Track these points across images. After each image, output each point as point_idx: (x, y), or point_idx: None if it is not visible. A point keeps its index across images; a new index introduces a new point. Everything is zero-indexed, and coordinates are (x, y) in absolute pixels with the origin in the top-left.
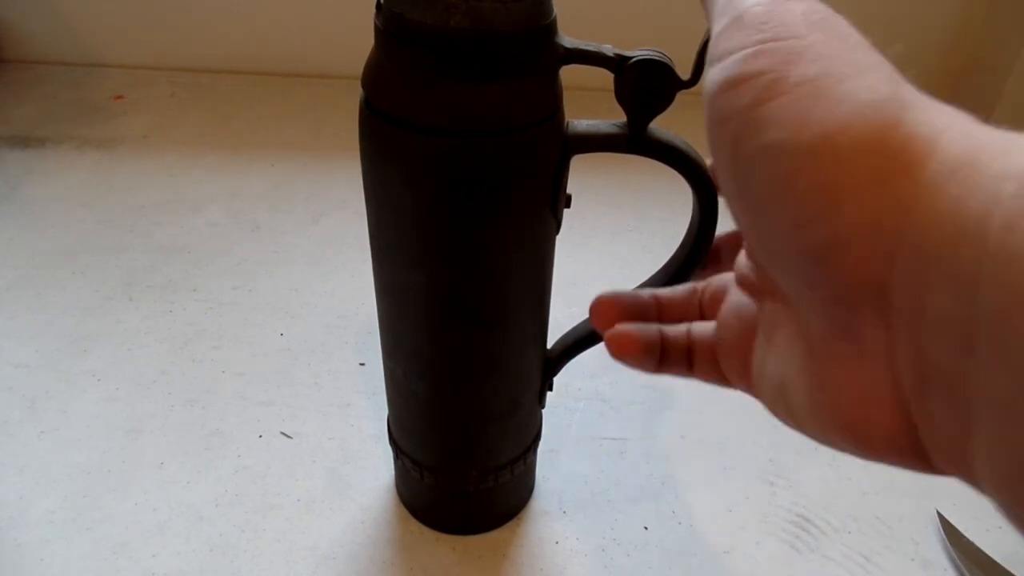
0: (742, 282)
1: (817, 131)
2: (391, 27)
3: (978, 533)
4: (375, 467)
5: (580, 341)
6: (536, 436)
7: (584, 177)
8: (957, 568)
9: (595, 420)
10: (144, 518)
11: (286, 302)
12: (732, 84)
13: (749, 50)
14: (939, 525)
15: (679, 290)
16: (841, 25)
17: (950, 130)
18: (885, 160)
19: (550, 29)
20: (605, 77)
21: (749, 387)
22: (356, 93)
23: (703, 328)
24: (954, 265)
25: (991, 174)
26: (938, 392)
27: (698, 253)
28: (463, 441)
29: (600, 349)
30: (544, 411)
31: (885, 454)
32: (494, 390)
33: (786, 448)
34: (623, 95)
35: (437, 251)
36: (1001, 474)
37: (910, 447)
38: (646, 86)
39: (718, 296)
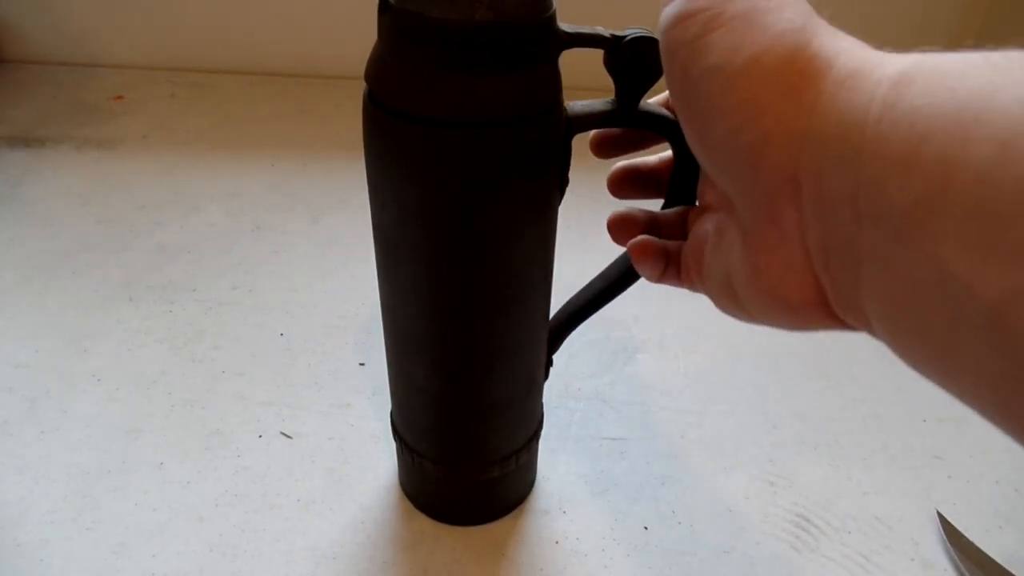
0: (702, 210)
1: (746, 55)
2: (405, 24)
3: (978, 533)
4: (375, 467)
5: (577, 313)
6: (541, 416)
7: (584, 176)
8: (957, 568)
9: (595, 420)
10: (144, 518)
11: (286, 302)
12: (680, 19)
13: None
14: (939, 525)
15: (672, 212)
16: None
17: (845, 51)
18: (796, 76)
19: (554, 17)
20: (597, 77)
21: (703, 286)
22: (356, 93)
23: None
24: (842, 151)
25: (871, 80)
26: (836, 257)
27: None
28: (482, 431)
29: (601, 350)
30: (544, 411)
31: (807, 316)
32: (514, 374)
33: (786, 448)
34: (619, 71)
35: (459, 246)
36: (880, 314)
37: (823, 307)
38: (641, 61)
39: (695, 219)
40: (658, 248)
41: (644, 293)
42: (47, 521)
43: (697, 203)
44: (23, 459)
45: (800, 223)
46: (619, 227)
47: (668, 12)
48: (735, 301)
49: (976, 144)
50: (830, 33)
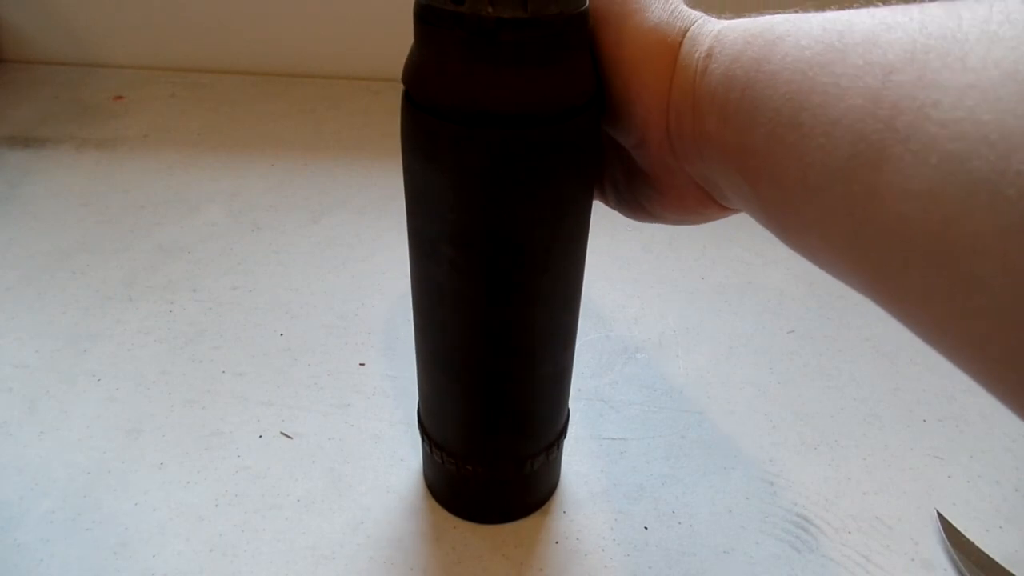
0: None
1: (626, 49)
2: (445, 23)
3: (978, 533)
4: (375, 467)
5: None
6: (568, 415)
7: None
8: (957, 568)
9: (595, 420)
10: (144, 518)
11: (286, 302)
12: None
13: None
14: (939, 525)
15: None
16: None
17: (690, 31)
18: (659, 60)
19: (588, 7)
20: None
21: (613, 207)
22: (356, 93)
23: None
24: (685, 108)
25: (695, 56)
26: (701, 172)
27: None
28: (511, 428)
29: (600, 350)
30: (570, 412)
31: (709, 213)
32: (547, 371)
33: (786, 448)
34: None
35: (501, 245)
36: (736, 202)
37: (717, 205)
38: None
39: None
40: None
41: (644, 293)
42: (47, 521)
43: None
44: (23, 459)
45: (677, 159)
46: None
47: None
48: (649, 215)
49: (734, 91)
50: (683, 17)
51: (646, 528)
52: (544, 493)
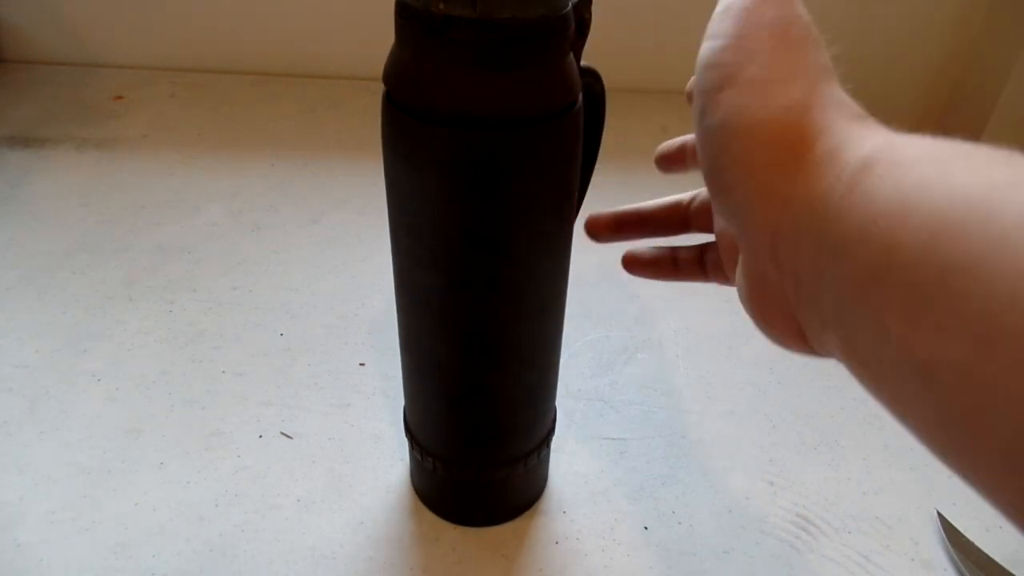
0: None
1: (747, 122)
2: (425, 24)
3: (978, 533)
4: (375, 467)
5: None
6: (554, 419)
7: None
8: (957, 568)
9: (595, 420)
10: (144, 518)
11: (286, 302)
12: (707, 67)
13: (721, 42)
14: (939, 525)
15: (661, 203)
16: (797, 32)
17: (830, 128)
18: (784, 151)
19: (570, 13)
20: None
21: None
22: (356, 93)
23: (704, 238)
24: (811, 221)
25: (842, 161)
26: (805, 308)
27: (589, 155)
28: (495, 432)
29: (601, 350)
30: (557, 414)
31: (790, 345)
32: (529, 376)
33: (786, 448)
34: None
35: (480, 248)
36: (841, 355)
37: (803, 341)
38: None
39: (705, 208)
40: (646, 258)
41: (644, 293)
42: (47, 521)
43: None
44: (23, 459)
45: (779, 276)
46: (591, 229)
47: (702, 53)
48: (748, 314)
49: (912, 231)
50: (823, 105)
51: (646, 528)
52: (532, 496)
